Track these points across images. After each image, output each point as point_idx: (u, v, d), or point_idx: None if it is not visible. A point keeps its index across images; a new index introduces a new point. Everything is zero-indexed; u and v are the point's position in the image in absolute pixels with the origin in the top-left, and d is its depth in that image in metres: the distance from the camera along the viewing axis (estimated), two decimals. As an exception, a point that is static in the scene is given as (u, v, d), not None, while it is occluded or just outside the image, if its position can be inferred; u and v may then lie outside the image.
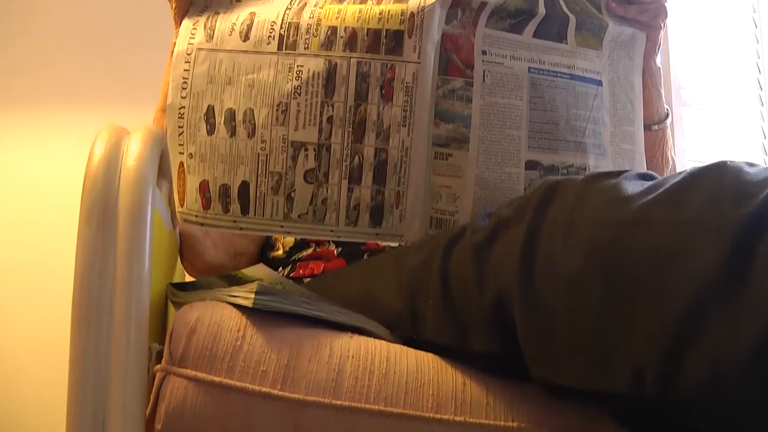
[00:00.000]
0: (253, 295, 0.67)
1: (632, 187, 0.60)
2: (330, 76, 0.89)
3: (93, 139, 0.71)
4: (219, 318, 0.67)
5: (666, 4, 1.02)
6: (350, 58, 0.89)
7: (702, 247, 0.52)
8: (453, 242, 0.73)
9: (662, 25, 1.02)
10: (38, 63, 1.61)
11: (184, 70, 0.93)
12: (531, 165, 0.92)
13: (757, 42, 2.16)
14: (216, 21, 0.94)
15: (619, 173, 0.64)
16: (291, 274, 1.04)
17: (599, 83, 0.97)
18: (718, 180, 0.56)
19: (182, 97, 0.93)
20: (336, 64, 0.89)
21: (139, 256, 0.65)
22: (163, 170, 0.80)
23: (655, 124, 1.04)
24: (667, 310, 0.53)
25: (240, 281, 0.74)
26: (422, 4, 0.88)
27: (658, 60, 1.04)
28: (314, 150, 0.89)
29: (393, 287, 0.75)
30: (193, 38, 0.94)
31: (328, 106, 0.89)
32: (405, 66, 0.88)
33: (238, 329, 0.67)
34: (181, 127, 0.93)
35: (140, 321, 0.65)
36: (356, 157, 0.89)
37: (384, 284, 0.77)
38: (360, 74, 0.89)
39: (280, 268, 1.09)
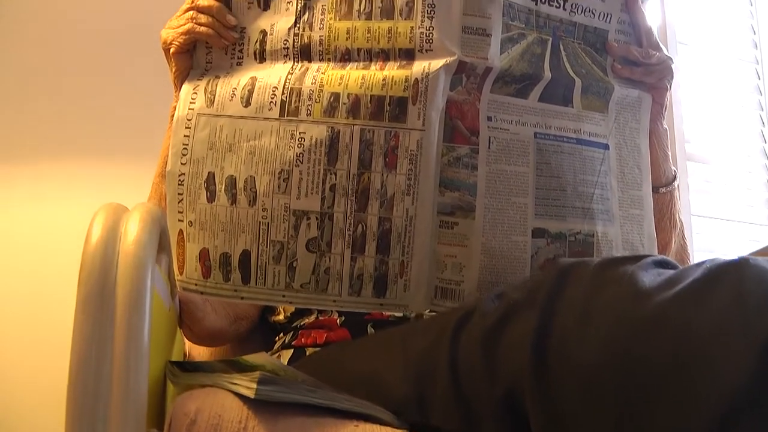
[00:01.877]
0: (255, 385, 0.64)
1: (649, 278, 0.58)
2: (333, 143, 0.87)
3: (91, 216, 0.69)
4: (220, 409, 0.65)
5: (672, 66, 1.01)
6: (353, 125, 0.87)
7: (729, 355, 0.50)
8: (461, 325, 0.70)
9: (668, 86, 1.01)
10: (39, 117, 1.59)
11: (185, 136, 0.91)
12: (538, 233, 0.91)
13: (761, 93, 2.16)
14: (217, 85, 0.92)
15: (634, 259, 0.62)
16: (293, 342, 1.02)
17: (606, 147, 0.96)
18: (741, 280, 0.54)
19: (182, 164, 0.91)
20: (339, 131, 0.87)
21: (137, 346, 0.63)
22: (162, 245, 0.78)
23: (663, 187, 1.03)
24: (695, 419, 0.50)
25: (242, 367, 0.71)
26: (426, 70, 0.87)
27: (665, 122, 1.03)
28: (317, 219, 0.87)
29: (399, 369, 0.73)
30: (194, 103, 0.92)
31: (330, 174, 0.87)
32: (409, 133, 0.87)
33: (239, 420, 0.64)
34: (181, 194, 0.92)
35: (138, 413, 0.62)
36: (359, 226, 0.87)
37: (390, 366, 0.74)
38: (363, 142, 0.87)
39: (281, 334, 1.06)
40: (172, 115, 0.95)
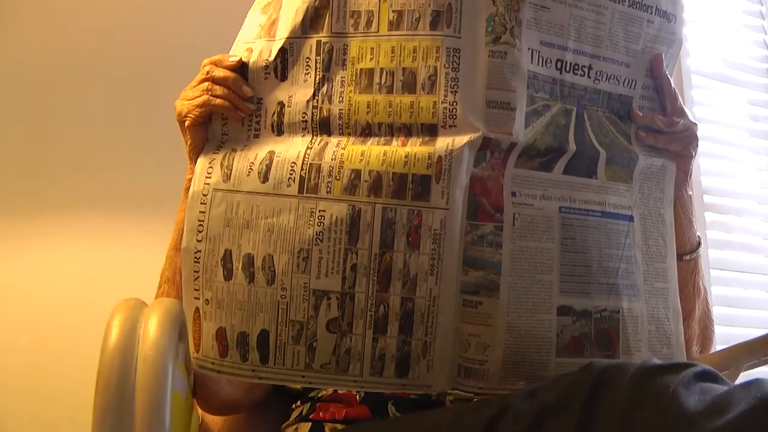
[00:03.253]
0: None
1: (693, 400, 0.56)
2: (354, 222, 0.85)
3: (108, 316, 0.67)
4: None
5: (697, 132, 0.98)
6: (375, 203, 0.85)
7: None
8: (492, 425, 0.68)
9: (693, 154, 0.99)
10: (62, 171, 1.58)
11: (200, 212, 0.89)
12: (563, 310, 0.88)
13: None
14: (233, 159, 0.90)
15: (675, 370, 0.60)
16: (311, 416, 0.99)
17: (630, 219, 0.93)
18: None
19: (198, 241, 0.89)
20: (360, 209, 0.85)
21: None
22: (181, 336, 0.75)
23: (687, 254, 1.00)
24: None
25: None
26: (450, 147, 0.84)
27: (690, 188, 1.00)
28: (337, 299, 0.85)
29: None
30: (210, 178, 0.90)
31: (351, 253, 0.85)
32: (432, 212, 0.84)
33: None
34: (197, 271, 0.89)
35: None
36: (381, 307, 0.85)
37: None
38: (385, 221, 0.84)
39: (298, 402, 1.04)
40: (187, 189, 0.93)
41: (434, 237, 0.84)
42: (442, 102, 0.86)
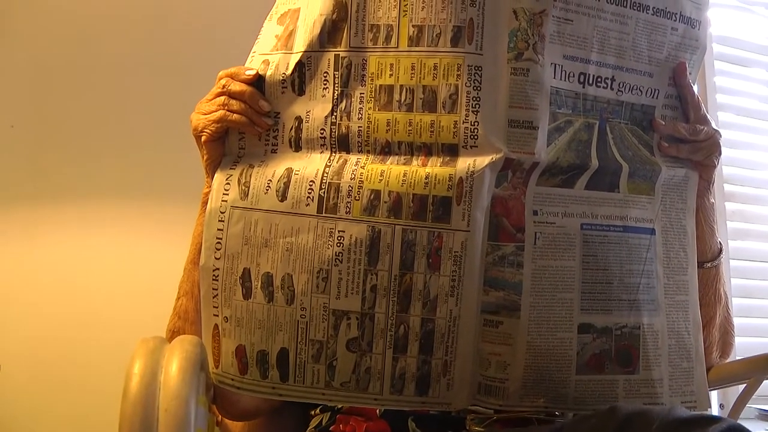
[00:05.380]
0: None
1: None
2: (373, 243, 0.84)
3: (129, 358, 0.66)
4: None
5: (720, 140, 0.96)
6: (395, 225, 0.84)
7: None
8: None
9: (716, 163, 0.97)
10: (80, 159, 1.59)
11: (218, 229, 0.89)
12: (584, 328, 0.88)
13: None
14: (251, 176, 0.89)
15: (700, 424, 0.59)
16: (331, 428, 0.99)
17: (652, 232, 0.92)
18: None
19: (216, 259, 0.89)
20: (380, 231, 0.84)
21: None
22: (202, 365, 0.75)
23: (709, 262, 0.99)
24: None
25: None
26: (471, 168, 0.83)
27: (712, 196, 0.99)
28: (357, 319, 0.85)
29: None
30: (227, 194, 0.89)
31: (371, 274, 0.84)
32: (453, 234, 0.83)
33: None
34: (216, 289, 0.89)
35: None
36: (401, 327, 0.85)
37: None
38: (405, 242, 0.84)
39: (317, 410, 1.04)
40: (204, 202, 0.92)
41: (455, 259, 0.83)
42: (464, 122, 0.84)
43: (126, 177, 1.59)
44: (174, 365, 0.65)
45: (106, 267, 1.56)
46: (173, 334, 0.97)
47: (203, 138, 0.91)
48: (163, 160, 1.59)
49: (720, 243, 1.02)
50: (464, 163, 0.83)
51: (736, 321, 1.09)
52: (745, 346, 1.56)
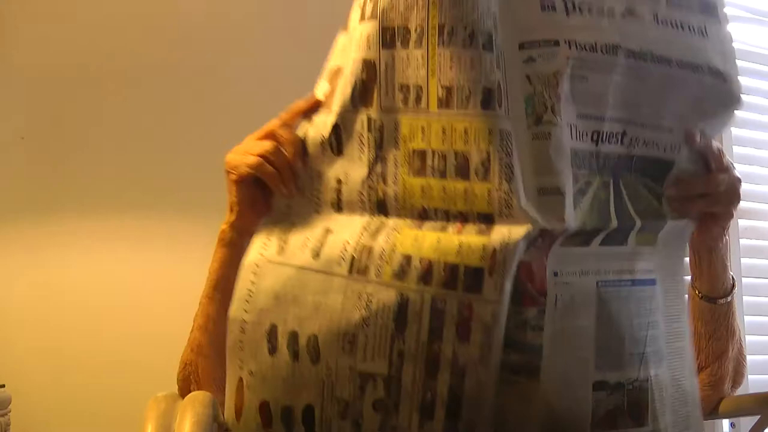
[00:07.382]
0: None
1: None
2: (401, 309, 0.83)
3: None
4: None
5: (740, 187, 0.95)
6: (424, 293, 0.83)
7: None
8: None
9: (734, 211, 0.96)
10: (86, 172, 1.58)
11: (251, 282, 0.88)
12: (598, 386, 0.88)
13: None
14: (291, 233, 0.89)
15: None
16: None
17: (654, 282, 0.92)
18: None
19: (245, 311, 0.88)
20: (408, 298, 0.83)
21: None
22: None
23: (721, 298, 1.01)
24: None
25: None
26: (506, 240, 0.82)
27: (726, 236, 1.00)
28: (383, 381, 0.85)
29: None
30: (265, 250, 0.89)
31: (398, 340, 0.84)
32: (484, 305, 0.82)
33: None
34: (242, 341, 0.89)
35: None
36: (428, 393, 0.84)
37: None
38: (434, 311, 0.83)
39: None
40: (221, 239, 0.95)
41: (485, 329, 0.83)
42: (497, 190, 0.83)
43: (135, 191, 1.60)
44: (186, 427, 0.65)
45: (114, 280, 1.57)
46: (186, 366, 0.99)
47: (233, 178, 0.91)
48: (174, 175, 1.59)
49: (733, 278, 1.04)
50: (499, 233, 0.82)
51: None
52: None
